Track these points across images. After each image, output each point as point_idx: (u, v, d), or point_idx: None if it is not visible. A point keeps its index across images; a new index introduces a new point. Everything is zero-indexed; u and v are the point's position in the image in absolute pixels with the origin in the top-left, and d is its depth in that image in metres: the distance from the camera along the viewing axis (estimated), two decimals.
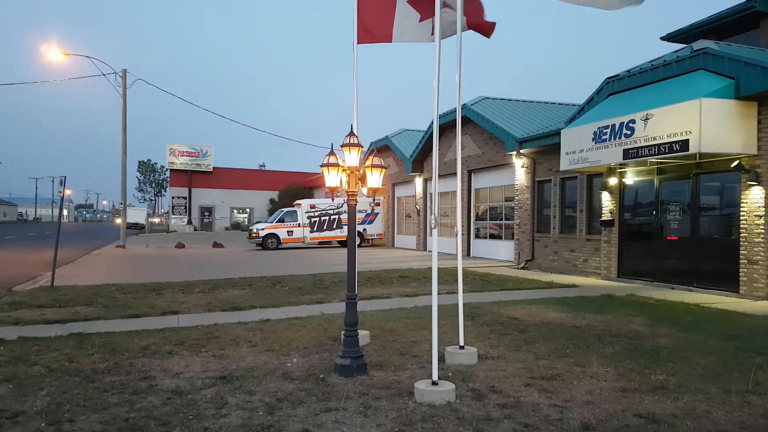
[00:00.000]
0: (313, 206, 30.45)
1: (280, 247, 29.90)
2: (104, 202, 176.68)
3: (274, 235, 29.95)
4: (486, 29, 7.04)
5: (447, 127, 22.71)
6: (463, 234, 22.67)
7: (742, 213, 11.31)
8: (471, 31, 7.01)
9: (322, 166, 5.91)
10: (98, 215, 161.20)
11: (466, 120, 21.36)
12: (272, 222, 30.84)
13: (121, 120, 30.13)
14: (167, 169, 60.04)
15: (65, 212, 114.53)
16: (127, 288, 12.62)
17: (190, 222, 54.89)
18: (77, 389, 5.27)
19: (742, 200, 11.31)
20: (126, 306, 10.15)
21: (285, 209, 31.67)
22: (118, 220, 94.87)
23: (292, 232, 30.21)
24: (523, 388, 5.34)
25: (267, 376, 5.71)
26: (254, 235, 30.18)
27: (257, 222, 32.18)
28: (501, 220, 21.40)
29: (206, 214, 57.02)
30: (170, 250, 28.30)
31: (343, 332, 5.92)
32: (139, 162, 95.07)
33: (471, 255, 22.77)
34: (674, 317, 8.98)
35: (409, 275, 15.17)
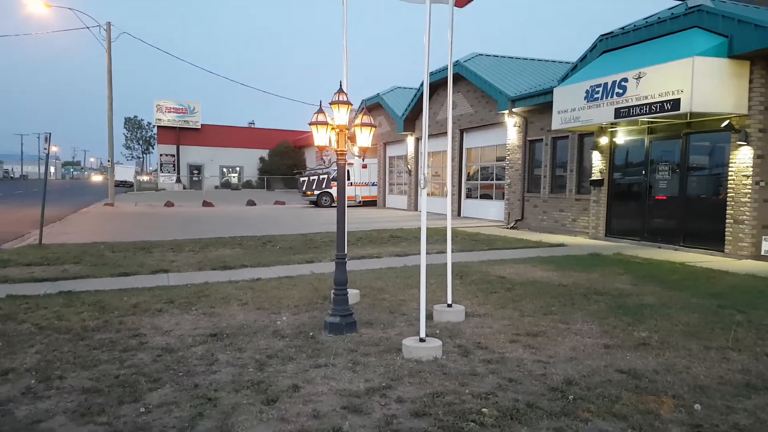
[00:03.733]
0: (365, 166, 31.85)
1: (333, 205, 30.60)
2: (92, 159, 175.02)
3: (328, 194, 30.96)
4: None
5: (439, 84, 22.44)
6: (453, 194, 22.73)
7: (730, 173, 11.37)
8: None
9: (310, 124, 5.85)
10: (86, 172, 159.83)
11: (458, 77, 21.13)
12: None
13: (106, 75, 29.58)
14: (154, 126, 59.37)
15: (52, 169, 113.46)
16: (117, 246, 12.61)
17: (179, 180, 54.58)
18: (67, 347, 5.30)
19: (730, 160, 11.36)
20: (115, 264, 10.16)
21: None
22: (96, 177, 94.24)
23: None
24: (508, 344, 5.43)
25: (257, 333, 5.77)
26: (309, 193, 31.02)
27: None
28: (492, 180, 21.41)
29: (195, 172, 56.66)
30: (159, 209, 28.21)
31: (332, 291, 5.97)
32: (126, 119, 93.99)
33: (461, 215, 22.85)
34: (659, 275, 9.10)
35: (400, 235, 15.24)
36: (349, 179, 31.52)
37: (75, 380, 4.49)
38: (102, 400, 4.10)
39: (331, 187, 30.77)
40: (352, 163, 31.84)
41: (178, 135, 55.03)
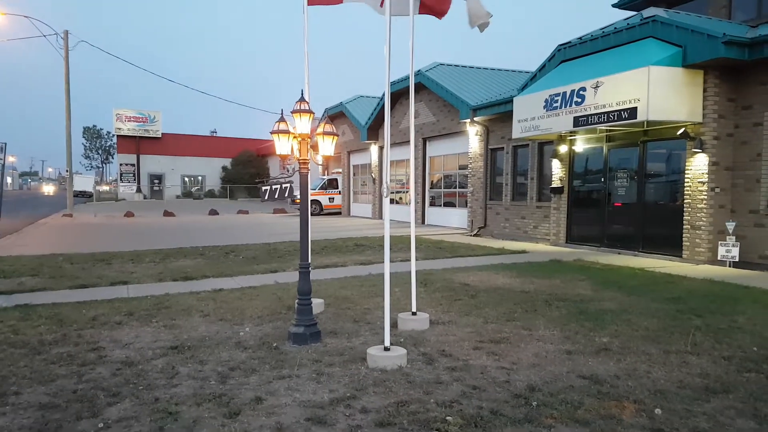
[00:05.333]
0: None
1: (322, 213, 30.72)
2: (50, 170, 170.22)
3: (317, 202, 30.97)
4: (439, 11, 6.87)
5: (402, 93, 22.57)
6: (417, 202, 22.85)
7: (686, 179, 11.67)
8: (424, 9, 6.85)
9: (272, 133, 5.81)
10: (44, 183, 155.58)
11: (420, 87, 21.30)
12: (315, 189, 31.37)
13: (64, 84, 28.93)
14: (114, 135, 58.23)
15: (9, 180, 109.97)
16: (75, 258, 12.29)
17: (139, 190, 53.60)
18: (23, 361, 5.14)
19: (686, 167, 11.67)
20: (74, 276, 9.89)
21: (327, 176, 32.14)
22: (47, 188, 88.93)
23: (333, 198, 31.66)
24: (472, 351, 5.46)
25: (219, 345, 5.67)
26: (298, 201, 30.33)
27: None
28: (455, 188, 21.58)
29: (156, 181, 55.70)
30: (119, 219, 27.64)
31: (296, 301, 5.92)
32: (85, 128, 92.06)
33: (426, 223, 22.96)
34: (619, 281, 9.28)
35: (365, 243, 15.22)
36: (337, 188, 31.64)
37: (31, 396, 4.35)
38: (59, 416, 3.98)
39: (319, 195, 30.79)
40: (340, 172, 31.97)
41: (138, 144, 54.07)
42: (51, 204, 43.06)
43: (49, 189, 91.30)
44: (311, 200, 30.63)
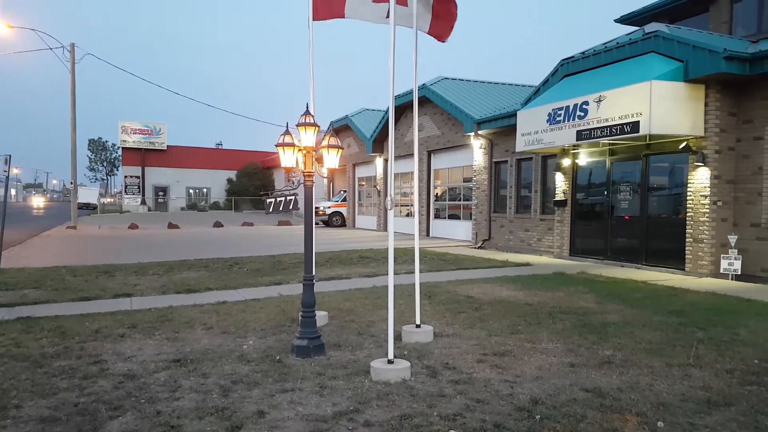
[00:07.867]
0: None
1: (344, 225, 31.27)
2: (54, 182, 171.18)
3: (339, 214, 31.63)
4: (443, 34, 7.07)
5: (407, 107, 22.65)
6: (422, 214, 22.86)
7: (688, 193, 11.68)
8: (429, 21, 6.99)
9: (277, 145, 5.86)
10: (48, 194, 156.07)
11: (425, 100, 21.39)
12: (337, 201, 31.96)
13: (70, 96, 29.12)
14: (119, 148, 58.52)
15: (13, 192, 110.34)
16: (78, 270, 12.33)
17: (144, 202, 53.72)
18: (25, 374, 5.15)
19: (689, 180, 11.68)
20: (77, 289, 9.92)
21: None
22: (38, 200, 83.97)
23: None
24: (476, 364, 5.45)
25: (222, 358, 5.68)
26: (321, 213, 31.40)
27: (323, 200, 33.86)
28: (460, 200, 21.60)
29: (161, 193, 55.83)
30: (123, 231, 27.72)
31: (300, 313, 5.92)
32: (90, 140, 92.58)
33: (430, 235, 22.96)
34: (622, 294, 9.26)
35: (369, 255, 15.23)
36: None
37: (32, 409, 4.36)
38: (60, 429, 3.99)
39: (341, 207, 31.19)
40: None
41: (144, 156, 54.27)
42: (54, 216, 43.01)
43: (39, 200, 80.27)
44: (334, 212, 31.34)
